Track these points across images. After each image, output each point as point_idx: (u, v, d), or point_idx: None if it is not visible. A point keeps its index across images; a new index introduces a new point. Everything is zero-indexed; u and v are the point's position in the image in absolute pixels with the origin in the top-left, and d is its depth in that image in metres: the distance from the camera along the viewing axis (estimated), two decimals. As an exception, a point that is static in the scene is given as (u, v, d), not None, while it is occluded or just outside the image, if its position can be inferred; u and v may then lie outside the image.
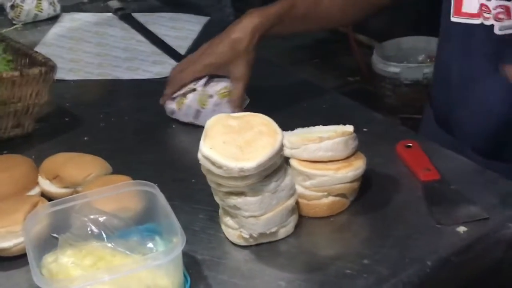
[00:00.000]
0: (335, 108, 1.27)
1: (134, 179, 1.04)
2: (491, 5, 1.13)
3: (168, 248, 0.86)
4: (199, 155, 0.92)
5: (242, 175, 0.89)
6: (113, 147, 1.20)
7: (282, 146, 0.93)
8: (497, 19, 1.13)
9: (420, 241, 0.94)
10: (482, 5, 1.14)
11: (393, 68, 2.89)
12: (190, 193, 1.06)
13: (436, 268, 0.91)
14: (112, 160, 1.11)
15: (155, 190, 0.93)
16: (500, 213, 0.98)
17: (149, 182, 0.94)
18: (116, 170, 1.09)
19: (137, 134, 1.25)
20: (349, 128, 1.02)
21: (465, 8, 1.16)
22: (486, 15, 1.13)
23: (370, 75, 2.97)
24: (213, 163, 0.90)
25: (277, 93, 1.33)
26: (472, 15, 1.15)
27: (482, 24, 1.14)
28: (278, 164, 0.94)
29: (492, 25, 1.13)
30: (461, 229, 0.96)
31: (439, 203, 1.00)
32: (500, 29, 1.13)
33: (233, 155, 0.90)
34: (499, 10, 1.12)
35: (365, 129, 1.18)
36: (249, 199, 0.92)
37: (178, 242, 0.85)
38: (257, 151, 0.91)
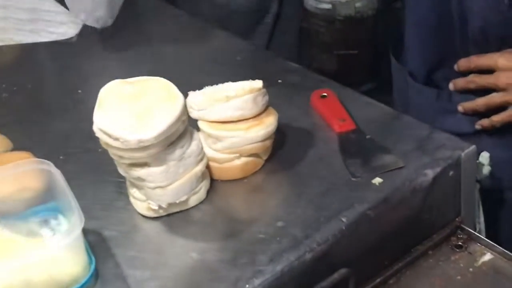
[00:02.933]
0: (249, 61, 1.22)
1: (37, 153, 0.98)
2: None
3: (66, 231, 0.81)
4: (94, 127, 0.86)
5: (142, 146, 0.84)
6: (16, 119, 1.12)
7: (183, 112, 0.88)
8: None
9: (335, 198, 0.91)
10: None
11: (325, 5, 2.84)
12: (99, 164, 0.99)
13: (352, 225, 0.88)
14: (14, 133, 1.05)
15: (50, 167, 0.87)
16: (417, 160, 0.95)
17: (44, 160, 0.88)
18: (19, 145, 1.03)
19: (41, 103, 1.17)
20: (258, 83, 0.97)
21: None
22: None
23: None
24: (109, 136, 0.84)
25: (184, 45, 1.27)
26: None
27: None
28: (182, 130, 0.89)
29: None
30: (377, 181, 0.92)
31: (355, 155, 0.97)
32: None
33: (130, 126, 0.84)
34: None
35: (279, 80, 1.14)
36: (153, 169, 0.87)
37: (77, 223, 0.80)
38: (156, 119, 0.85)
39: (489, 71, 1.13)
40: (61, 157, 1.02)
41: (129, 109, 0.86)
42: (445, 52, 1.18)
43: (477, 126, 1.16)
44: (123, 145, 0.84)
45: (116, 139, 0.84)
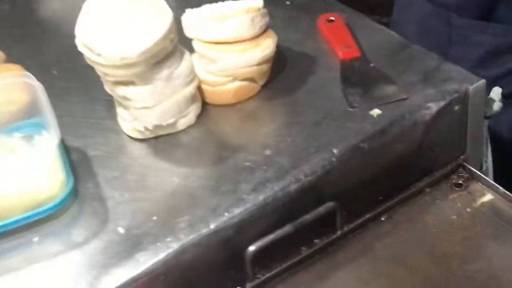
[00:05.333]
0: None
1: (31, 67, 0.95)
2: None
3: (43, 145, 0.79)
4: (76, 41, 0.82)
5: (125, 63, 0.80)
6: (11, 31, 1.10)
7: (171, 29, 0.83)
8: None
9: (329, 128, 0.86)
10: None
11: None
12: (90, 81, 0.95)
13: (344, 157, 0.83)
14: (10, 47, 1.02)
15: (34, 81, 0.84)
16: (420, 92, 0.89)
17: (28, 73, 0.86)
18: (13, 58, 1.00)
19: (39, 17, 1.14)
20: (257, 3, 0.91)
21: None
22: None
23: None
24: (92, 50, 0.81)
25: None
26: None
27: None
28: (170, 49, 0.84)
29: None
30: (375, 112, 0.87)
31: (355, 84, 0.92)
32: None
33: (114, 41, 0.80)
34: None
35: (287, 2, 1.08)
36: (139, 88, 0.84)
37: (52, 139, 0.78)
38: (142, 35, 0.81)
39: None
40: (54, 72, 1.00)
41: (114, 23, 0.82)
42: None
43: None
44: (106, 61, 0.81)
45: (99, 54, 0.80)
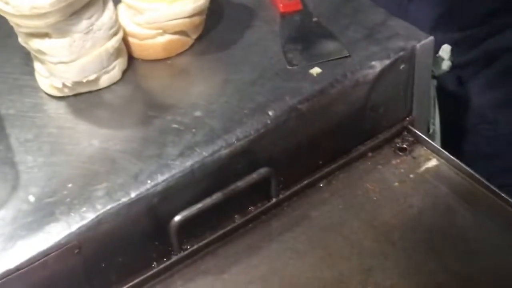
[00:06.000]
0: None
1: None
2: None
3: None
4: (-17, -13, 0.74)
5: (36, 13, 0.72)
6: None
7: (90, -25, 0.75)
8: None
9: (265, 88, 0.79)
10: None
11: None
12: (7, 31, 0.88)
13: (279, 119, 0.77)
14: None
15: None
16: (364, 49, 0.83)
17: None
18: None
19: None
20: None
21: None
22: None
23: None
24: (-1, -1, 0.72)
25: None
26: None
27: None
28: (89, -2, 0.76)
29: None
30: (315, 71, 0.81)
31: (295, 40, 0.85)
32: None
33: (24, -12, 0.72)
34: None
35: (227, -51, 1.00)
36: (55, 41, 0.76)
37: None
38: (56, -18, 0.73)
39: None
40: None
41: (25, -33, 0.73)
42: None
43: None
44: (15, 10, 0.72)
45: (6, 3, 0.72)
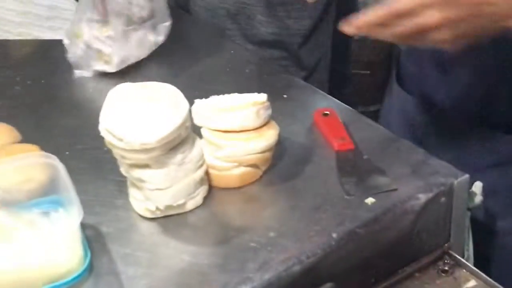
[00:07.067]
0: (257, 73, 1.25)
1: (44, 146, 1.01)
2: None
3: (65, 222, 0.84)
4: (100, 127, 0.89)
5: (144, 149, 0.87)
6: (26, 112, 1.17)
7: (187, 118, 0.91)
8: None
9: (327, 214, 0.93)
10: None
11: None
12: (101, 162, 1.03)
13: (342, 240, 0.90)
14: (24, 126, 1.09)
15: (55, 161, 0.90)
16: (410, 183, 0.98)
17: (50, 154, 0.92)
18: (27, 137, 1.06)
19: (53, 98, 1.21)
20: (262, 97, 1.00)
21: None
22: None
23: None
24: (114, 136, 0.88)
25: (197, 53, 1.30)
26: None
27: None
28: (184, 136, 0.92)
29: None
30: (369, 200, 0.95)
31: (350, 174, 1.00)
32: None
33: (135, 128, 0.88)
34: None
35: (285, 95, 1.17)
36: (154, 171, 0.90)
37: (74, 216, 0.83)
38: (161, 123, 0.88)
39: None
40: (67, 153, 1.05)
41: (136, 111, 0.89)
42: None
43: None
44: (127, 146, 0.87)
45: (120, 139, 0.87)
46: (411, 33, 0.90)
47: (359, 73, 2.65)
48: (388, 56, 2.76)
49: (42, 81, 1.24)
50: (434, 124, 1.21)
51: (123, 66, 1.25)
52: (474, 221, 1.06)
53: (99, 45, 1.23)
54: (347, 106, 1.15)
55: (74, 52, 1.25)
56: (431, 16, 0.87)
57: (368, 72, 2.71)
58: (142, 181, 0.91)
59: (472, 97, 1.15)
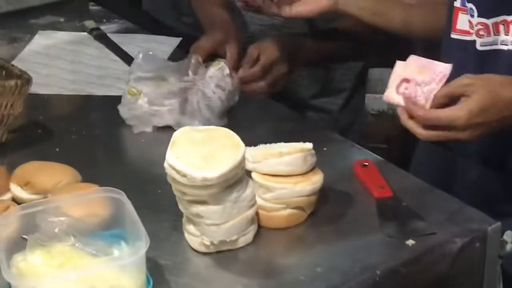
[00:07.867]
0: (298, 129, 1.33)
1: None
2: (473, 22, 1.20)
3: (133, 250, 0.91)
4: (165, 164, 0.97)
5: (205, 184, 0.95)
6: (83, 158, 1.24)
7: (243, 158, 0.99)
8: (478, 35, 1.19)
9: (371, 252, 1.00)
10: (469, 21, 1.20)
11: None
12: (156, 203, 1.11)
13: (385, 278, 0.96)
14: (81, 171, 1.16)
15: (122, 197, 0.98)
16: (447, 229, 1.05)
17: (116, 189, 0.99)
18: (85, 181, 1.14)
19: (107, 146, 1.30)
20: (308, 145, 1.08)
21: (459, 25, 1.23)
22: (471, 31, 1.20)
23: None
24: (178, 172, 0.95)
25: (247, 112, 1.40)
26: (464, 32, 1.22)
27: (471, 40, 1.20)
28: (240, 176, 0.99)
29: (475, 41, 1.20)
30: (410, 242, 1.02)
31: (391, 218, 1.07)
32: (481, 45, 1.20)
33: (197, 165, 0.95)
34: (479, 27, 1.19)
35: (324, 148, 1.25)
36: (211, 207, 0.98)
37: (142, 245, 0.90)
38: (220, 162, 0.96)
39: None
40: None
41: (197, 151, 0.97)
42: None
43: None
44: (189, 181, 0.95)
45: (184, 175, 0.95)
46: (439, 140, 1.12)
47: (377, 146, 2.75)
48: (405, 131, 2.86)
49: (97, 131, 1.33)
50: (462, 172, 1.28)
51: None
52: (503, 269, 1.12)
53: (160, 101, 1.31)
54: (383, 159, 1.23)
55: (132, 110, 1.31)
56: (463, 134, 1.07)
57: (386, 146, 2.81)
58: (199, 216, 0.98)
59: (499, 146, 1.23)
